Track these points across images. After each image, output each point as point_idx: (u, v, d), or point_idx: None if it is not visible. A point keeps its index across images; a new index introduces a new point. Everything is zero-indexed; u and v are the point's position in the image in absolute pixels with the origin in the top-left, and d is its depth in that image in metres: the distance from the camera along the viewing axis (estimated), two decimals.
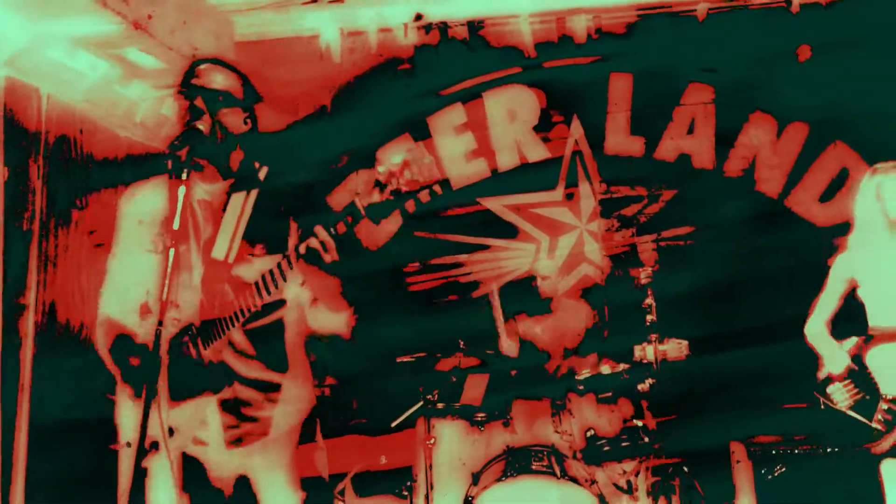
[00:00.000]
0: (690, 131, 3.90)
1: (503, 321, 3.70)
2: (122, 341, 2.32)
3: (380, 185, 2.10)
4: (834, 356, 2.93)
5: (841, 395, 2.87)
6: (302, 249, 2.14)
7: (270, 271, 2.23)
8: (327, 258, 2.15)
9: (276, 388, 2.36)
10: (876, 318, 2.90)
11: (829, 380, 2.90)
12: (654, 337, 3.34)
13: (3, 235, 3.23)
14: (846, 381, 2.88)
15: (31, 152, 3.41)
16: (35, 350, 3.23)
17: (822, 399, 2.90)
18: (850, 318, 2.96)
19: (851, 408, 2.85)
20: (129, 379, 2.28)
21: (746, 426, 3.36)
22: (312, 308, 2.38)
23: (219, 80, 2.34)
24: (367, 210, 2.13)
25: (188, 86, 2.33)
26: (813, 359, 3.00)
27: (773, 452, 3.22)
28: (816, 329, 3.00)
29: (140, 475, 2.06)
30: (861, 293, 2.95)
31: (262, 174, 2.44)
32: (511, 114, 4.01)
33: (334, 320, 2.36)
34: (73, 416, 2.93)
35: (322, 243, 2.13)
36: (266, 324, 2.32)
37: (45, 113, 3.46)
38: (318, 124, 3.97)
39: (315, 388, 2.53)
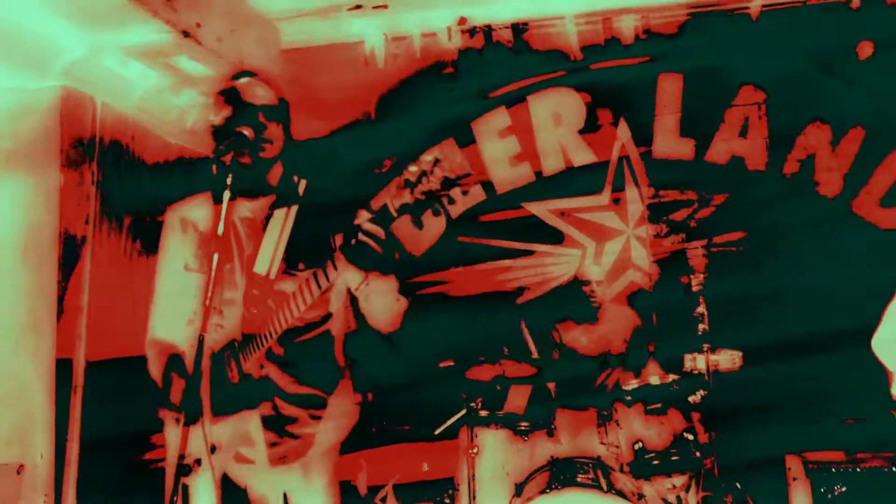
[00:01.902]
0: (743, 133, 3.78)
1: (534, 346, 3.65)
2: (173, 362, 2.34)
3: (410, 186, 2.07)
4: None
5: None
6: (353, 242, 2.12)
7: (314, 273, 2.22)
8: (378, 248, 2.13)
9: (319, 403, 2.36)
10: None
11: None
12: (706, 347, 3.23)
13: (60, 240, 3.33)
14: None
15: (86, 159, 3.50)
16: (87, 354, 3.32)
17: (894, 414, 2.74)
18: None
19: None
20: (175, 402, 2.30)
21: (803, 441, 3.22)
22: (367, 303, 2.37)
23: (260, 94, 2.36)
24: (398, 211, 2.10)
25: (232, 99, 2.35)
26: (880, 371, 2.84)
27: (833, 470, 3.08)
28: (885, 342, 2.85)
29: (185, 491, 2.08)
30: None
31: (301, 188, 2.45)
32: (556, 117, 3.96)
33: (391, 310, 2.35)
34: (122, 428, 2.99)
35: (371, 235, 2.11)
36: (312, 337, 2.33)
37: (99, 120, 3.56)
38: (362, 130, 3.98)
39: (356, 395, 2.53)
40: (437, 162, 2.07)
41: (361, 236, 2.11)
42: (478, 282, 3.91)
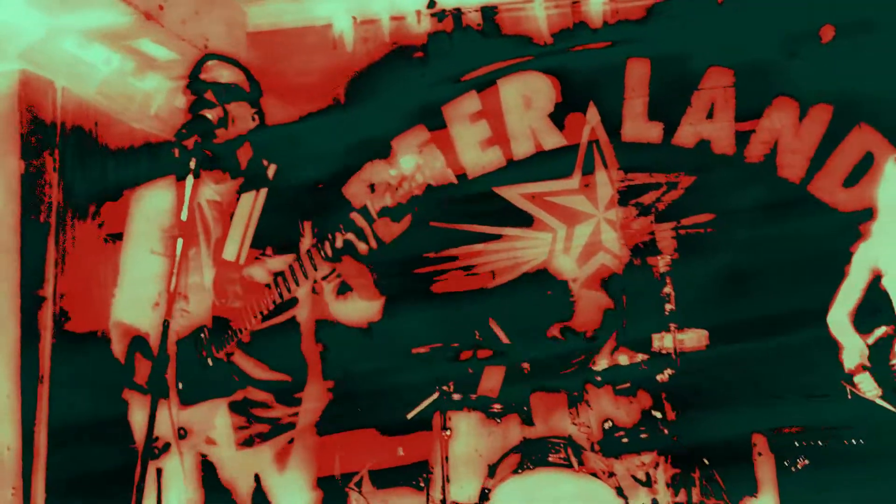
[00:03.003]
0: (710, 116, 3.83)
1: (504, 335, 3.67)
2: (136, 344, 2.32)
3: (392, 189, 2.07)
4: (855, 347, 2.85)
5: (869, 385, 2.80)
6: (339, 242, 2.11)
7: (286, 270, 2.20)
8: (362, 247, 2.12)
9: (287, 388, 2.35)
10: None
11: (857, 368, 2.83)
12: (673, 326, 3.28)
13: (20, 228, 3.25)
14: (875, 372, 2.82)
15: (47, 145, 3.42)
16: (53, 342, 3.27)
17: (848, 388, 2.83)
18: (875, 309, 2.88)
19: (882, 397, 2.79)
20: (141, 384, 2.27)
21: (768, 417, 3.30)
22: (339, 300, 2.36)
23: (225, 74, 2.32)
24: (380, 213, 2.10)
25: (196, 80, 2.31)
26: (837, 348, 2.93)
27: (796, 444, 3.16)
28: (838, 319, 2.92)
29: (157, 475, 2.06)
30: (886, 283, 2.86)
31: (270, 172, 2.42)
32: (526, 101, 3.96)
33: (366, 309, 2.35)
34: (90, 413, 2.95)
35: (360, 231, 2.09)
36: (277, 323, 2.31)
37: (60, 106, 3.46)
38: (332, 115, 3.95)
39: (328, 383, 2.52)
40: (419, 168, 2.07)
41: (349, 234, 2.09)
42: (451, 272, 3.92)
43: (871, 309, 2.91)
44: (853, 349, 2.87)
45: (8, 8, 3.02)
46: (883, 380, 2.82)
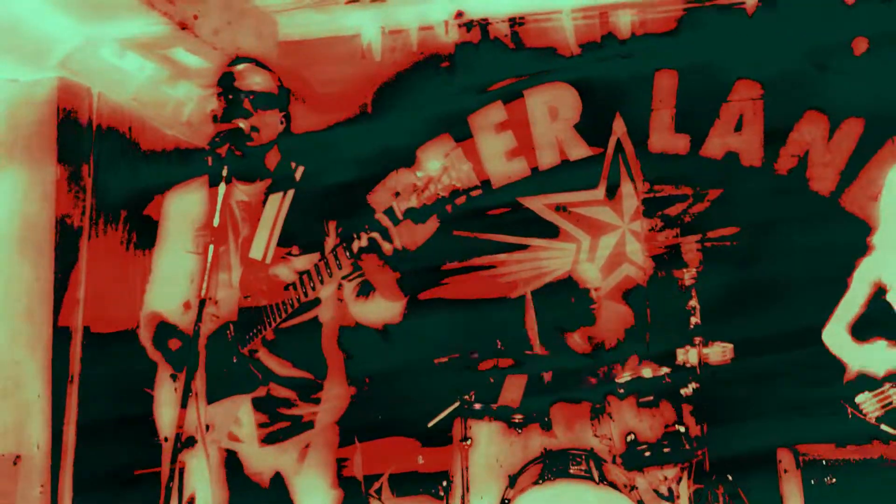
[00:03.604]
0: (738, 128, 3.79)
1: (537, 330, 3.65)
2: (164, 328, 2.36)
3: (418, 191, 2.09)
4: (855, 363, 2.75)
5: (871, 406, 2.70)
6: (364, 241, 2.12)
7: (310, 270, 2.23)
8: (387, 247, 2.14)
9: (310, 386, 2.37)
10: None
11: (859, 388, 2.73)
12: (697, 340, 3.24)
13: (55, 231, 3.33)
14: (877, 391, 2.72)
15: (82, 150, 3.50)
16: (84, 343, 3.33)
17: (849, 409, 2.74)
18: (877, 322, 2.78)
19: (880, 418, 2.69)
20: (171, 360, 2.31)
21: (794, 433, 3.23)
22: (359, 301, 2.37)
23: (257, 80, 2.36)
24: (405, 214, 2.11)
25: (227, 86, 2.35)
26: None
27: (824, 462, 3.09)
28: (837, 333, 2.81)
29: (181, 471, 2.09)
30: (892, 297, 2.75)
31: (298, 174, 2.45)
32: (552, 111, 3.96)
33: (389, 310, 2.35)
34: (117, 410, 3.00)
35: (384, 230, 2.11)
36: (300, 322, 2.33)
37: (95, 112, 3.55)
38: (359, 123, 3.99)
39: (351, 386, 2.54)
40: (445, 170, 2.08)
41: (374, 233, 2.11)
42: (474, 282, 3.91)
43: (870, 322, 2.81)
44: (854, 365, 2.77)
45: (47, 18, 3.11)
46: (888, 399, 2.71)
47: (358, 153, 3.81)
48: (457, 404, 3.22)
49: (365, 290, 2.37)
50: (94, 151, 3.52)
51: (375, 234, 2.12)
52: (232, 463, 2.33)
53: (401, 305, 2.36)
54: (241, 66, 2.37)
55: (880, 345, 2.75)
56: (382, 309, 2.36)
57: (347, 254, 2.16)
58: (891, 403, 2.68)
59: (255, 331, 2.29)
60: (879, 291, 2.80)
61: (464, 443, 3.15)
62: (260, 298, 2.30)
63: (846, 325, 2.83)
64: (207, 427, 2.20)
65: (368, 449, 3.45)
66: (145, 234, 3.48)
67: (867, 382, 2.74)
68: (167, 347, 2.32)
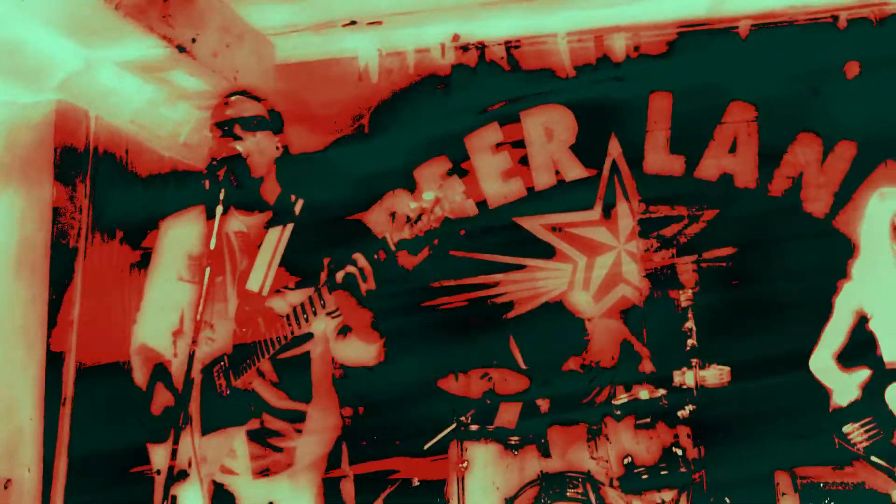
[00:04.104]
0: (733, 150, 3.82)
1: (522, 360, 3.64)
2: (160, 372, 2.33)
3: (411, 221, 2.08)
4: (843, 390, 2.71)
5: (858, 436, 2.67)
6: (339, 278, 2.12)
7: (302, 304, 2.22)
8: (364, 287, 2.12)
9: (303, 417, 2.35)
10: (893, 353, 2.67)
11: (844, 418, 2.69)
12: (694, 362, 3.24)
13: (50, 252, 3.33)
14: (863, 420, 2.68)
15: (79, 172, 3.51)
16: (77, 367, 3.31)
17: (837, 440, 2.71)
18: (860, 351, 2.75)
19: (867, 448, 2.66)
20: (155, 413, 2.28)
21: (793, 456, 3.22)
22: (339, 340, 2.35)
23: (249, 108, 2.37)
24: (397, 246, 2.11)
25: (221, 118, 2.37)
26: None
27: (821, 485, 3.08)
28: (823, 362, 2.78)
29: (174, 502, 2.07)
30: (873, 326, 2.72)
31: (297, 208, 2.45)
32: (548, 132, 3.99)
33: (364, 352, 2.33)
34: (110, 440, 2.97)
35: (361, 270, 2.10)
36: (293, 356, 2.32)
37: (93, 134, 3.56)
38: (356, 143, 4.00)
39: (345, 413, 2.52)
40: (437, 202, 2.07)
41: (351, 269, 2.09)
42: (468, 296, 3.91)
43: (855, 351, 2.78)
44: (839, 394, 2.74)
45: (47, 41, 3.13)
46: (874, 429, 2.68)
47: (354, 173, 3.83)
48: (453, 426, 3.21)
49: (345, 329, 2.35)
50: (90, 173, 3.52)
51: (353, 270, 2.10)
52: (225, 497, 2.30)
53: (376, 348, 2.32)
54: (232, 98, 2.39)
55: (864, 374, 2.74)
56: (359, 350, 2.33)
57: (328, 289, 2.16)
58: (878, 434, 2.65)
59: (248, 362, 2.28)
60: (862, 320, 2.78)
61: (460, 465, 3.13)
62: (254, 331, 2.29)
63: (832, 353, 2.80)
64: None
65: (364, 471, 3.43)
66: (141, 255, 3.48)
67: (854, 412, 2.72)
68: (158, 398, 2.29)
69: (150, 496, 2.22)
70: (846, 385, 2.76)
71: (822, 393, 2.90)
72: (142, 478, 2.34)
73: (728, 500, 3.11)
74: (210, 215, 2.25)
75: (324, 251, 2.32)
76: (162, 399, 2.26)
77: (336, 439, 2.41)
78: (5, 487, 3.08)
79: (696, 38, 3.77)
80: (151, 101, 3.65)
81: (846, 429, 2.68)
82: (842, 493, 3.08)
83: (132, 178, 3.70)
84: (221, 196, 2.20)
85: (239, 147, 2.28)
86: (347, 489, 2.39)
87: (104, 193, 3.53)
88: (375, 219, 3.83)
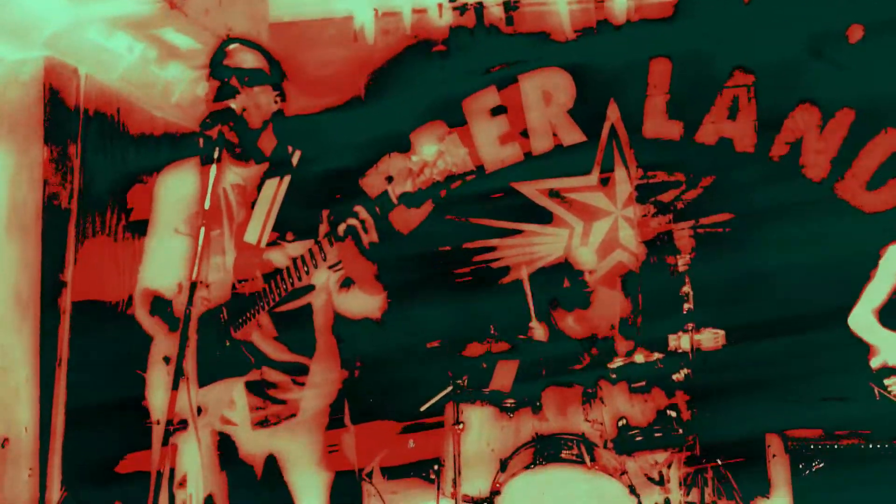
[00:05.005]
0: (732, 116, 3.79)
1: (533, 307, 3.64)
2: (160, 301, 2.35)
3: (413, 175, 2.07)
4: (885, 346, 2.79)
5: None
6: (340, 231, 2.11)
7: (302, 256, 2.21)
8: (366, 239, 2.12)
9: (303, 370, 2.36)
10: None
11: (887, 370, 2.76)
12: (689, 326, 3.26)
13: (42, 213, 3.30)
14: None
15: (70, 132, 3.46)
16: (72, 325, 3.31)
17: (877, 389, 2.76)
18: None
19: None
20: (168, 321, 2.29)
21: (784, 419, 3.26)
22: (342, 293, 2.36)
23: (248, 59, 2.33)
24: (399, 199, 2.10)
25: (218, 66, 2.33)
26: (860, 349, 2.87)
27: (812, 447, 3.12)
28: (863, 318, 2.86)
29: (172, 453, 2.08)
30: None
31: (294, 159, 2.43)
32: (546, 96, 3.95)
33: (367, 304, 2.34)
34: (107, 394, 2.98)
35: (362, 223, 2.09)
36: (294, 308, 2.32)
37: (83, 93, 3.50)
38: (352, 107, 3.95)
39: (343, 371, 2.53)
40: (440, 155, 2.06)
41: (352, 221, 2.08)
42: (465, 260, 3.91)
43: None
44: (883, 348, 2.80)
45: None
46: None
47: (351, 137, 3.78)
48: (449, 388, 3.23)
49: (348, 281, 2.36)
50: (81, 133, 3.47)
51: (355, 223, 2.09)
52: (225, 446, 2.32)
53: (380, 300, 2.34)
54: (231, 46, 2.35)
55: None
56: (362, 302, 2.34)
57: (330, 242, 2.15)
58: None
59: (248, 315, 2.28)
60: None
61: (456, 427, 3.16)
62: (253, 283, 2.29)
63: (873, 310, 2.85)
64: (200, 410, 2.19)
65: (360, 432, 3.45)
66: (134, 216, 3.44)
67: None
68: (165, 311, 2.31)
69: (148, 446, 2.23)
70: (888, 340, 2.78)
71: (815, 358, 2.94)
72: (142, 431, 2.35)
73: (720, 462, 3.15)
74: (204, 166, 2.23)
75: (321, 203, 2.30)
76: (164, 333, 2.27)
77: (336, 393, 2.43)
78: (2, 446, 3.10)
79: (697, 3, 3.72)
80: (142, 60, 3.59)
81: (889, 381, 2.73)
82: (830, 453, 3.12)
83: (124, 137, 3.65)
84: (216, 154, 2.18)
85: (233, 104, 2.25)
86: (349, 443, 2.42)
87: (96, 154, 3.49)
88: (371, 182, 3.79)
